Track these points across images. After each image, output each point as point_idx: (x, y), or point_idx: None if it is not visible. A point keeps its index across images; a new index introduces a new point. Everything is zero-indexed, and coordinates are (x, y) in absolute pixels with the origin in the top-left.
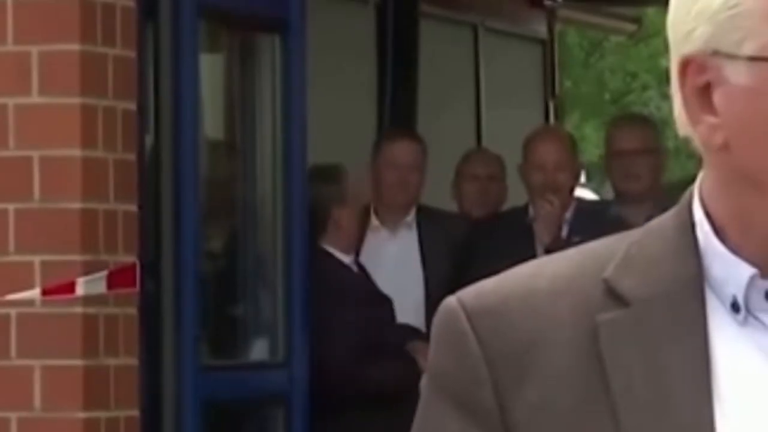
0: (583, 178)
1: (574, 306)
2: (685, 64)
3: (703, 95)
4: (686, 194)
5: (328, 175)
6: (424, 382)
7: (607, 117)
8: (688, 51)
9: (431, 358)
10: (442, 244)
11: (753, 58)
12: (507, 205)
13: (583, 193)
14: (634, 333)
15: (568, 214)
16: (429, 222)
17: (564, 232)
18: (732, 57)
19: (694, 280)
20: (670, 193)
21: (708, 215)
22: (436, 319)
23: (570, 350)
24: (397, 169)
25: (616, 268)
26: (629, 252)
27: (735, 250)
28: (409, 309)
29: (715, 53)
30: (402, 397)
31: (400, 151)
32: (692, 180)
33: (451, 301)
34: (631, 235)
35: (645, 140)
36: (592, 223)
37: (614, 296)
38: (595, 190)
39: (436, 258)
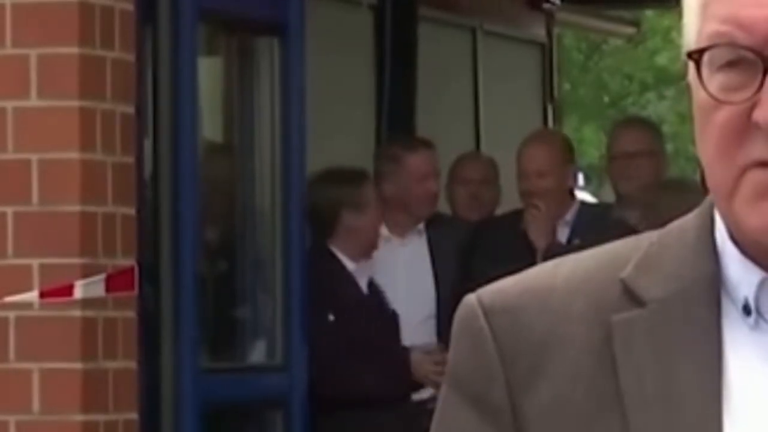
0: (581, 181)
1: (589, 305)
2: (685, 61)
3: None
4: (711, 194)
5: (346, 178)
6: (444, 379)
7: (605, 120)
8: (685, 48)
9: (450, 355)
10: (451, 249)
11: (688, 54)
12: (501, 209)
13: (582, 196)
14: (648, 334)
15: (570, 216)
16: (438, 228)
17: (566, 235)
18: (686, 54)
19: (710, 282)
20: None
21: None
22: (456, 316)
23: (583, 350)
24: (423, 181)
25: (633, 268)
26: (648, 252)
27: (744, 251)
28: (421, 315)
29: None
30: (392, 400)
31: (424, 160)
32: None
33: (470, 298)
34: (650, 236)
35: (647, 142)
36: (594, 225)
37: (630, 296)
38: (594, 193)
39: (445, 263)
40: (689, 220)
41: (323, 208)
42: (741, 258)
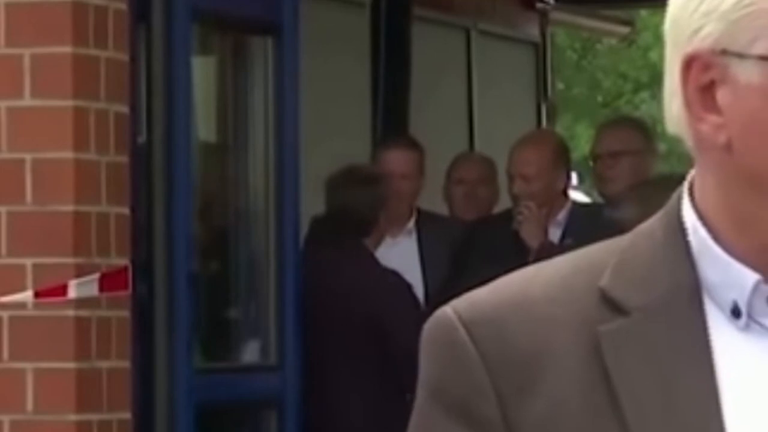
0: (574, 180)
1: (571, 315)
2: (689, 62)
3: (706, 94)
4: (674, 197)
5: (374, 178)
6: (420, 396)
7: (599, 119)
8: (693, 49)
9: (426, 371)
10: (442, 249)
11: (765, 58)
12: (498, 208)
13: (575, 195)
14: (637, 342)
15: (562, 217)
16: (428, 227)
17: (557, 235)
18: (742, 56)
19: (691, 287)
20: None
21: (702, 219)
22: (430, 331)
23: (573, 360)
24: (391, 180)
25: (611, 276)
26: (623, 259)
27: (732, 254)
28: None
29: (724, 52)
30: None
31: (393, 159)
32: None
33: (445, 311)
34: (621, 240)
35: (622, 143)
36: (586, 225)
37: (612, 305)
38: (587, 193)
39: (435, 264)
40: (655, 224)
41: (364, 209)
42: (729, 261)
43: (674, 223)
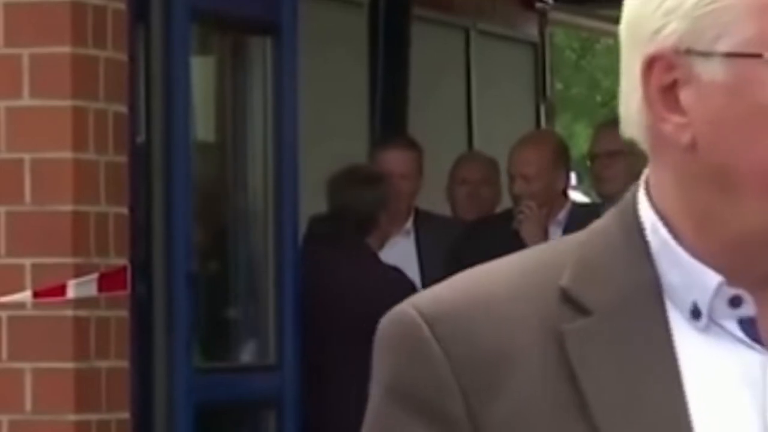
0: (573, 180)
1: (533, 313)
2: (651, 63)
3: (668, 94)
4: (627, 195)
5: (374, 179)
6: (377, 396)
7: (597, 118)
8: (655, 49)
9: (386, 369)
10: (439, 249)
11: (730, 55)
12: (500, 208)
13: (573, 195)
14: (601, 341)
15: (562, 217)
16: (426, 227)
17: (558, 235)
18: (706, 54)
19: (652, 287)
20: None
21: (661, 218)
22: (390, 328)
23: (537, 359)
24: (389, 178)
25: (571, 275)
26: (582, 257)
27: (693, 254)
28: None
29: (688, 51)
30: None
31: (391, 159)
32: None
33: (404, 308)
34: (577, 238)
35: (620, 142)
36: (586, 225)
37: (574, 305)
38: (586, 192)
39: (433, 264)
40: (609, 221)
41: (366, 208)
42: (691, 262)
43: (631, 222)
